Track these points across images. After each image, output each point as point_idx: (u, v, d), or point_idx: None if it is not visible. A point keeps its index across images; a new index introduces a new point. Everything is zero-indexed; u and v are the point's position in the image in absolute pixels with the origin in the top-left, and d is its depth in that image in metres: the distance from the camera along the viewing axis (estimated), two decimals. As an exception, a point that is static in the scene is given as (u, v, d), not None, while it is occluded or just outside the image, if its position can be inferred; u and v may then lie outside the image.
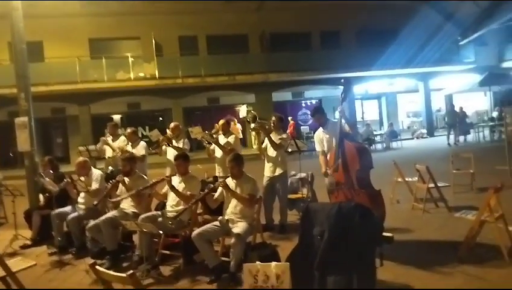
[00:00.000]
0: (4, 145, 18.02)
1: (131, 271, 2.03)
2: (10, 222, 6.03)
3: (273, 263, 3.02)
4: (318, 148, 4.98)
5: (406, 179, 6.43)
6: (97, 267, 2.18)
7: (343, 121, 4.53)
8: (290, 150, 5.42)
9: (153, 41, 17.09)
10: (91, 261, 4.49)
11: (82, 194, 5.23)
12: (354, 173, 4.34)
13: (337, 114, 4.61)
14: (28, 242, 5.44)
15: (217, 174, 5.78)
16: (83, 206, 5.14)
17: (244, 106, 6.04)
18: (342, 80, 4.90)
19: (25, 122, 6.53)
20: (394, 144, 16.98)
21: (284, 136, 5.47)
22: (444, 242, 4.47)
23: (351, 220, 3.27)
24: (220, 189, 4.17)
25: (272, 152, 5.48)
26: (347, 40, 20.12)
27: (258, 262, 3.08)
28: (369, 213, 3.33)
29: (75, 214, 4.98)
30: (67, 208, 5.25)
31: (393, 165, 6.40)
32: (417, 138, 19.55)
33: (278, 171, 5.45)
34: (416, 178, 6.16)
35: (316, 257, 3.26)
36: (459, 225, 4.63)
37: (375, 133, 17.77)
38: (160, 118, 20.18)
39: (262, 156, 5.64)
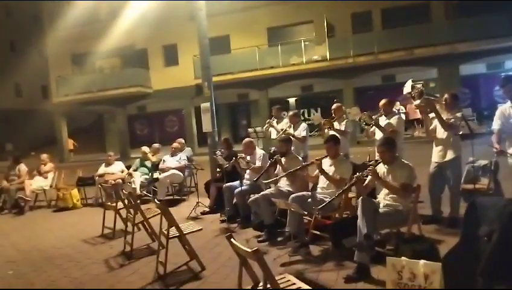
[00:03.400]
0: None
1: (256, 247, 2.13)
2: (199, 191, 7.19)
3: (422, 261, 2.67)
4: (496, 124, 4.08)
5: None
6: (232, 240, 2.37)
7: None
8: (460, 132, 4.59)
9: (325, 22, 17.09)
10: (253, 232, 5.02)
11: (248, 171, 5.78)
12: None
13: None
14: (206, 209, 6.39)
15: (377, 157, 5.44)
16: (247, 182, 5.68)
17: (410, 80, 5.39)
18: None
19: (208, 107, 7.59)
20: None
21: (458, 115, 4.66)
22: None
23: (532, 222, 2.58)
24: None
25: (442, 134, 4.74)
26: None
27: (404, 258, 2.79)
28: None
29: (241, 188, 5.54)
30: (236, 183, 5.87)
31: None
32: None
33: (449, 156, 4.70)
34: None
35: (480, 260, 2.72)
36: None
37: None
38: (335, 99, 20.21)
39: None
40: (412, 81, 5.07)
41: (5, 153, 22.56)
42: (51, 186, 8.55)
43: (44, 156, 8.86)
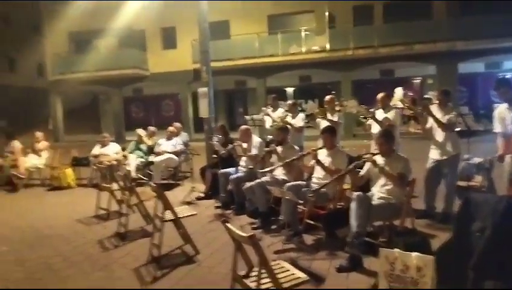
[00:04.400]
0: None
1: (251, 233, 2.16)
2: (194, 176, 7.21)
3: (415, 254, 2.73)
4: (498, 128, 4.13)
5: None
6: (227, 224, 2.39)
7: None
8: (458, 128, 4.61)
9: (326, 13, 16.96)
10: (247, 219, 5.05)
11: (244, 158, 5.79)
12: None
13: None
14: (202, 195, 6.41)
15: (372, 151, 5.47)
16: (243, 169, 5.69)
17: (400, 88, 5.45)
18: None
19: (206, 92, 7.53)
20: None
21: (453, 114, 4.68)
22: None
23: (524, 220, 2.62)
24: (366, 166, 3.95)
25: (439, 134, 4.75)
26: None
27: (397, 250, 2.83)
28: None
29: (236, 175, 5.55)
30: (232, 169, 5.88)
31: None
32: None
33: (448, 154, 4.71)
34: None
35: (472, 255, 2.77)
36: None
37: None
38: (333, 92, 20.16)
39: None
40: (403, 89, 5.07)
41: (-2, 129, 22.33)
42: (45, 165, 8.51)
43: (38, 133, 8.77)
